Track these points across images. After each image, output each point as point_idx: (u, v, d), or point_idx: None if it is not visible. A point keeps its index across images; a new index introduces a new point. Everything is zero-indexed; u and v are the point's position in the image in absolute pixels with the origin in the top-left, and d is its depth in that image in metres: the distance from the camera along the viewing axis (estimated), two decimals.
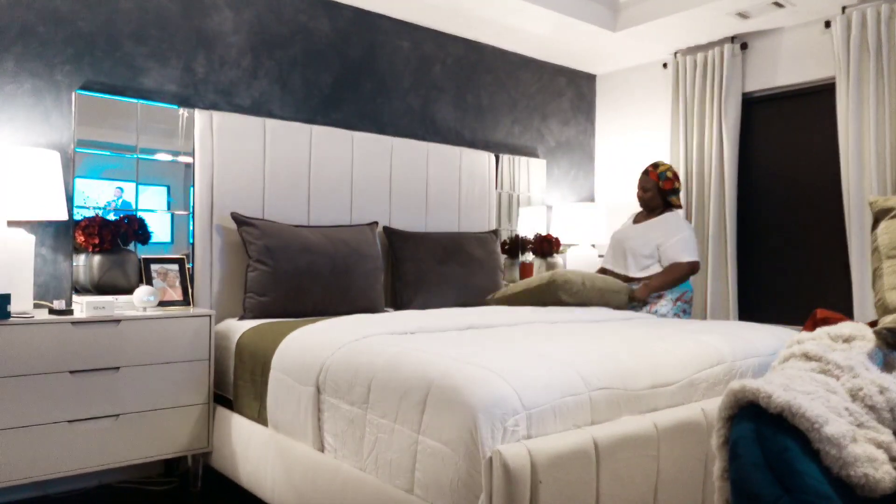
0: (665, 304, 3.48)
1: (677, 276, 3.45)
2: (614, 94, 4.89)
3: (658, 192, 3.60)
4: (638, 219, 3.72)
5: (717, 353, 2.18)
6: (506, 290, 3.39)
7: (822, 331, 1.77)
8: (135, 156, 2.95)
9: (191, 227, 3.06)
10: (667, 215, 3.61)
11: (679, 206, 3.68)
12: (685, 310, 3.55)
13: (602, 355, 1.93)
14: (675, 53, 4.40)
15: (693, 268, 3.48)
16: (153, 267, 2.81)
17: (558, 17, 3.84)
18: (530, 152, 4.55)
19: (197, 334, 2.66)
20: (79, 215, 2.79)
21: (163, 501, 2.65)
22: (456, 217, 3.99)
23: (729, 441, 1.31)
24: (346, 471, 1.94)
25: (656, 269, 3.50)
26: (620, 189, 4.82)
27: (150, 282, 2.77)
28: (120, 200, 2.91)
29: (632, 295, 3.40)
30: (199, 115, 3.07)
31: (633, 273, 3.55)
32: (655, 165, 3.62)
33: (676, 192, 3.63)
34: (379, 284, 3.24)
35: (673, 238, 3.49)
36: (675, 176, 3.62)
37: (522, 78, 4.51)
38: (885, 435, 1.32)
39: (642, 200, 3.65)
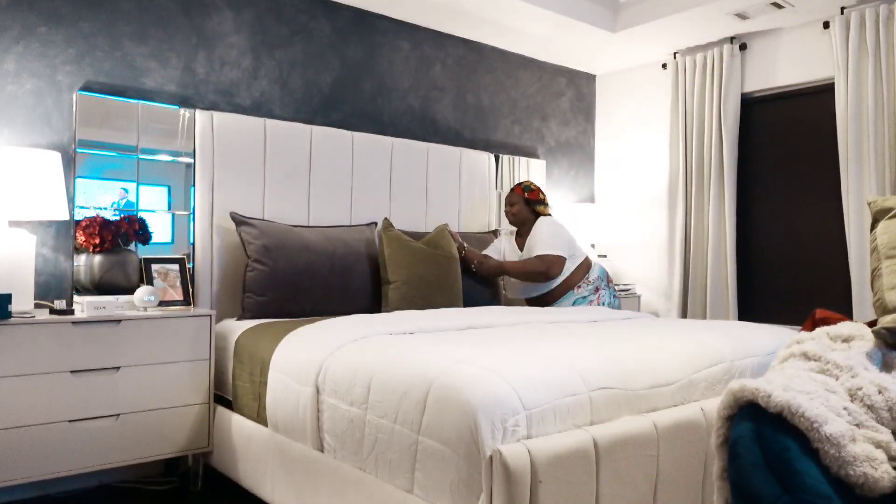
0: (605, 293, 3.50)
1: (529, 269, 3.40)
2: (614, 94, 4.90)
3: (524, 203, 3.59)
4: (518, 243, 3.64)
5: (716, 353, 2.18)
6: None
7: (821, 331, 1.77)
8: (136, 156, 2.95)
9: (191, 228, 3.06)
10: (537, 223, 3.52)
11: (548, 215, 3.63)
12: (615, 294, 3.58)
13: (602, 355, 1.93)
14: (675, 54, 4.41)
15: (545, 261, 3.38)
16: (154, 267, 2.81)
17: (558, 18, 3.85)
18: (530, 152, 4.55)
19: (197, 334, 2.67)
20: (80, 215, 2.80)
21: (163, 501, 2.65)
22: (456, 217, 4.00)
23: (728, 441, 1.32)
24: (345, 471, 1.94)
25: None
26: (620, 189, 4.82)
27: (150, 282, 2.78)
28: (124, 201, 2.91)
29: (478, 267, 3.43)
30: (200, 116, 3.07)
31: (533, 293, 3.51)
32: (519, 184, 3.66)
33: (543, 202, 3.61)
34: (378, 284, 3.24)
35: (537, 235, 3.46)
36: (539, 189, 3.64)
37: (522, 78, 4.52)
38: (883, 434, 1.32)
39: (511, 216, 3.63)
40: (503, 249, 3.66)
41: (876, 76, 3.48)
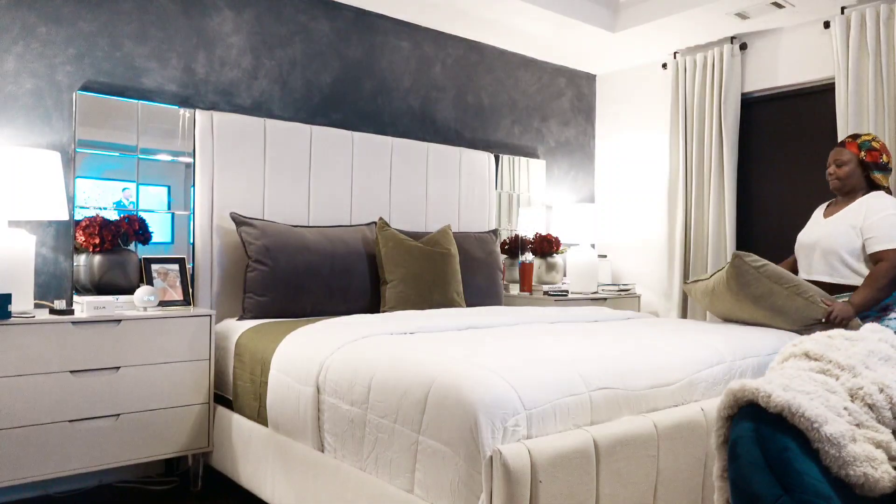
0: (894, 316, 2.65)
1: (888, 276, 2.56)
2: (614, 94, 4.90)
3: (858, 165, 2.79)
4: (829, 211, 2.93)
5: (716, 353, 2.19)
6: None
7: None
8: (135, 156, 2.95)
9: (191, 228, 3.06)
10: (868, 196, 2.75)
11: (887, 189, 2.81)
12: None
13: (602, 355, 1.93)
14: (675, 54, 4.40)
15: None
16: (154, 267, 2.81)
17: (558, 18, 3.85)
18: (530, 153, 4.55)
19: (197, 334, 2.67)
20: (80, 215, 2.80)
21: (163, 501, 2.65)
22: (456, 217, 4.00)
23: (728, 441, 1.32)
24: (346, 471, 1.94)
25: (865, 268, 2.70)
26: (620, 189, 4.82)
27: (150, 282, 2.78)
28: (129, 203, 2.91)
29: (830, 313, 2.50)
30: (200, 116, 3.07)
31: (837, 279, 2.73)
32: (855, 136, 2.84)
33: (885, 168, 2.77)
34: (378, 284, 3.24)
35: (875, 216, 2.65)
36: (884, 148, 2.80)
37: (522, 78, 4.52)
38: (884, 434, 1.32)
39: (836, 178, 2.84)
40: (807, 232, 2.95)
41: (876, 76, 3.48)
